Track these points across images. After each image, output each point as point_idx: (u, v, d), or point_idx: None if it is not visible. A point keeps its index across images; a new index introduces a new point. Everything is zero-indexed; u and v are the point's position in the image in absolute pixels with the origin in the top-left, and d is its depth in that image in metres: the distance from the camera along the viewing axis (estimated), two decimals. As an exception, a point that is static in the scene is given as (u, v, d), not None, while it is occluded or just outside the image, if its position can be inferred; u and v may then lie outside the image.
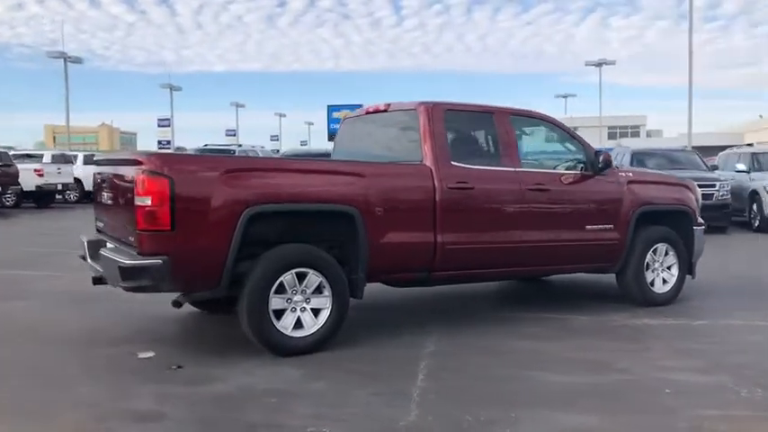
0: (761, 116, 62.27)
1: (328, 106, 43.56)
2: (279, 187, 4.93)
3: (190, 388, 4.29)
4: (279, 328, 4.86)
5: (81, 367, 4.76)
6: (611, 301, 6.85)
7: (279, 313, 4.87)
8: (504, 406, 3.97)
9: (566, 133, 6.45)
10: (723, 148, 20.30)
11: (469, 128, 5.90)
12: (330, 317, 5.01)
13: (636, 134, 71.90)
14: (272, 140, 62.62)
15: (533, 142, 6.08)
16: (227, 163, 4.93)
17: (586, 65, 47.25)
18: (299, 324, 4.94)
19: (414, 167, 5.51)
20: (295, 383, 4.38)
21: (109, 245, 5.21)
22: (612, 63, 46.23)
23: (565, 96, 59.58)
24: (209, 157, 5.14)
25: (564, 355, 5.07)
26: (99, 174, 5.60)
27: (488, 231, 5.72)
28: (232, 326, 5.24)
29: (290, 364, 4.73)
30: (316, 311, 5.00)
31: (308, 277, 4.94)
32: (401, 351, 5.12)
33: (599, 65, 46.12)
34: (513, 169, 5.90)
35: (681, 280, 6.84)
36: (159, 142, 50.45)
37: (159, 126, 50.95)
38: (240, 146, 20.58)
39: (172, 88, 50.99)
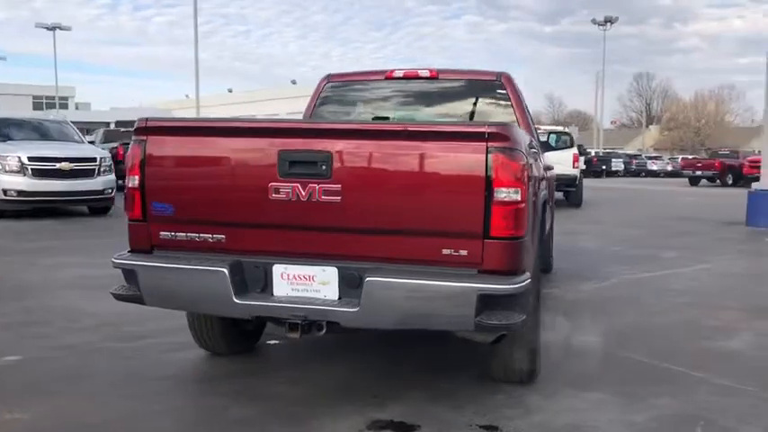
0: (187, 96, 67.50)
1: None
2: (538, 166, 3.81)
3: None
4: (532, 349, 3.77)
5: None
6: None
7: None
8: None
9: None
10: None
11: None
12: (535, 329, 4.10)
13: (64, 106, 68.65)
14: None
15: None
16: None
17: (36, 26, 42.99)
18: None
19: (534, 144, 4.81)
20: (628, 411, 3.51)
21: (304, 268, 3.09)
22: (69, 29, 43.11)
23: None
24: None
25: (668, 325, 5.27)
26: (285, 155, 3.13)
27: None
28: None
29: (541, 391, 3.74)
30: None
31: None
32: (584, 359, 4.44)
33: (53, 29, 42.53)
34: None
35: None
36: None
37: None
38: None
39: None
